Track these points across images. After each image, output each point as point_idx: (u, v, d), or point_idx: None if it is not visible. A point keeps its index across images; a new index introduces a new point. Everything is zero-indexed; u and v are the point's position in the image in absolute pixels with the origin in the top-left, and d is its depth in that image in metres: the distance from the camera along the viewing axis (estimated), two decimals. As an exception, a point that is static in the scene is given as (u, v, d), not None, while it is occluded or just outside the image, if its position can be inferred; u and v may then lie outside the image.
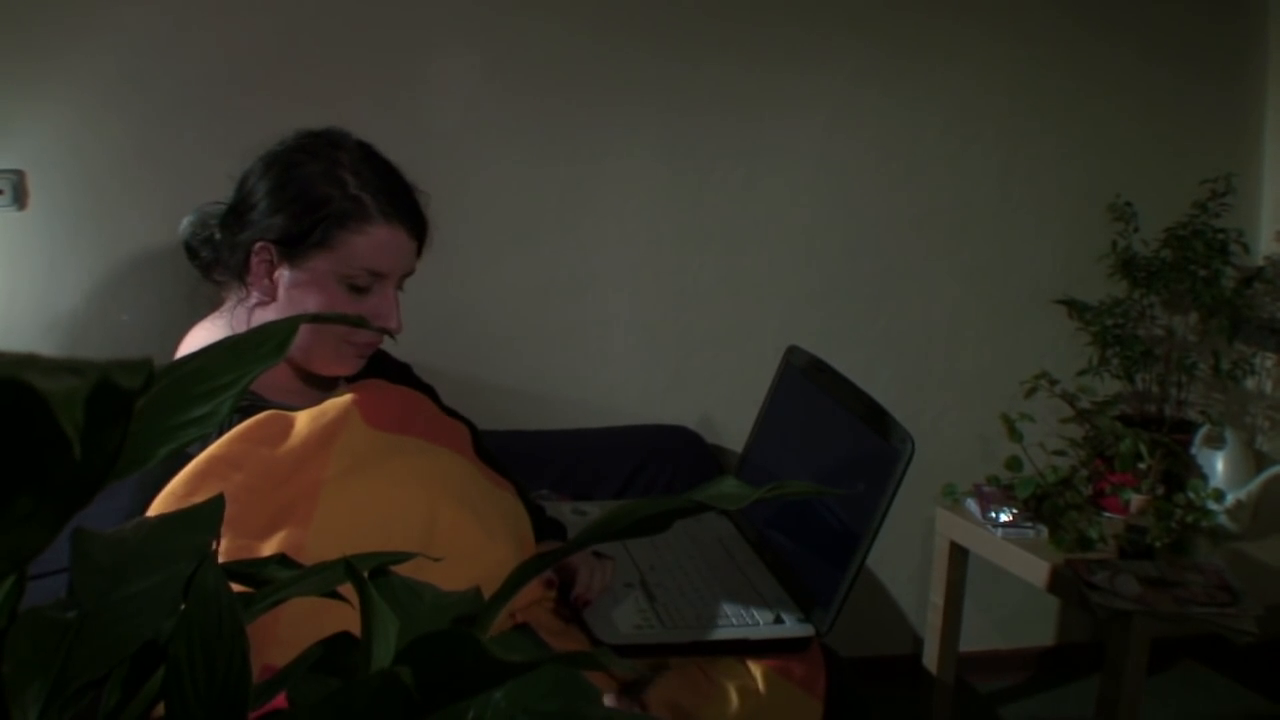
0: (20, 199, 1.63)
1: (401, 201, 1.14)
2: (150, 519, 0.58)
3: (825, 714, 1.16)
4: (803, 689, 1.16)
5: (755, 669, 1.15)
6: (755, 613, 1.22)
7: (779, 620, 1.20)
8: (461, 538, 1.07)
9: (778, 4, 1.92)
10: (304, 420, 1.06)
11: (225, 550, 0.94)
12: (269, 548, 0.96)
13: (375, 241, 1.11)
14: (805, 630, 1.19)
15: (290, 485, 1.01)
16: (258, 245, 1.11)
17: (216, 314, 1.20)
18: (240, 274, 1.14)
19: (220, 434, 1.02)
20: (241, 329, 1.16)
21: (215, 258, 1.19)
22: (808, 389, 1.43)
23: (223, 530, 0.94)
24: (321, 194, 1.09)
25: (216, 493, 0.93)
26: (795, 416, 1.47)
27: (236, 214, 1.15)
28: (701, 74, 1.90)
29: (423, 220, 1.16)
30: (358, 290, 1.12)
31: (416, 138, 1.76)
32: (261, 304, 1.14)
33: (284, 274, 1.12)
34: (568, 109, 1.85)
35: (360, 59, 1.74)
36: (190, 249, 1.23)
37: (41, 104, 1.62)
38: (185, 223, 1.23)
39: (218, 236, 1.17)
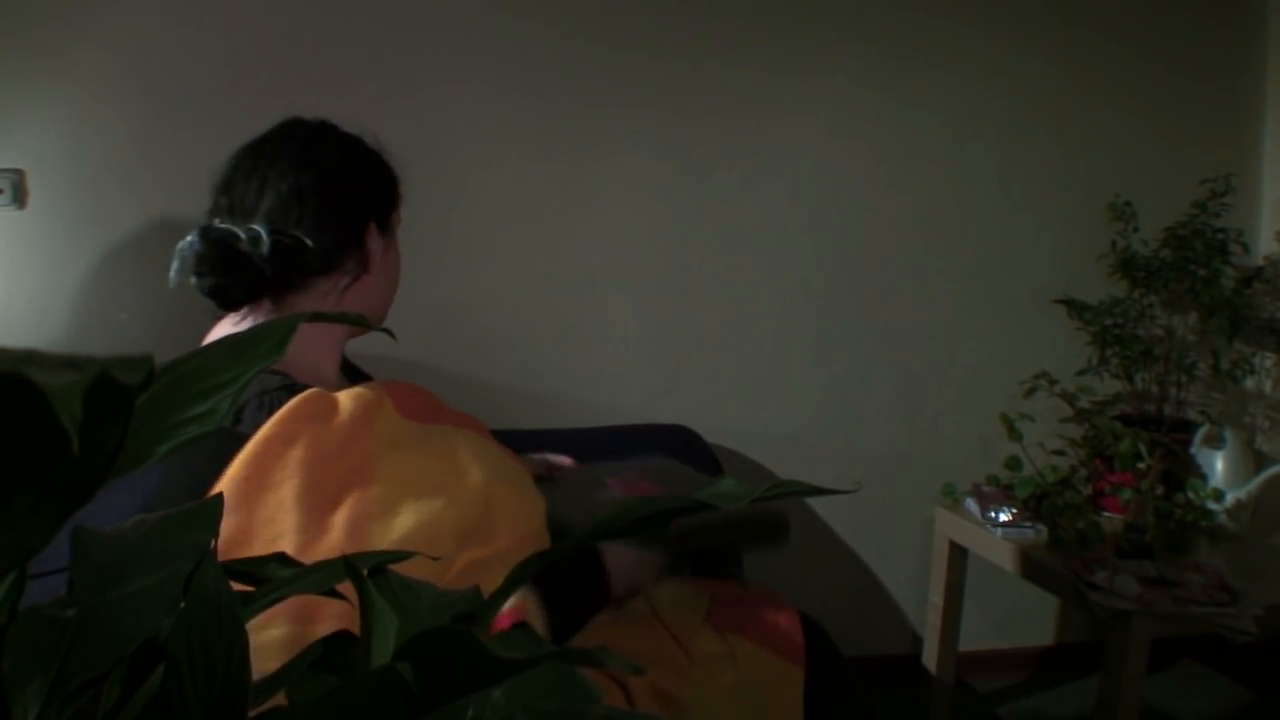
0: (20, 198, 1.63)
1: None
2: (150, 517, 0.58)
3: (807, 680, 1.18)
4: (782, 658, 1.18)
5: (734, 642, 1.17)
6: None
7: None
8: (512, 500, 1.09)
9: (778, 4, 1.92)
10: (345, 398, 1.07)
11: (298, 526, 0.93)
12: (340, 518, 0.96)
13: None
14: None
15: (346, 458, 1.02)
16: (370, 226, 1.19)
17: (260, 310, 1.15)
18: (343, 262, 1.18)
19: (270, 414, 1.01)
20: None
21: (295, 265, 1.14)
22: None
23: (292, 505, 0.94)
24: (387, 163, 1.24)
25: (276, 472, 0.95)
26: None
27: (315, 210, 1.13)
28: (702, 74, 1.90)
29: None
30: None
31: (417, 137, 1.77)
32: (359, 279, 1.20)
33: (379, 243, 1.22)
34: (568, 108, 1.85)
35: (361, 58, 1.75)
36: (240, 276, 1.12)
37: (42, 102, 1.62)
38: (245, 242, 1.11)
39: (286, 243, 1.12)
